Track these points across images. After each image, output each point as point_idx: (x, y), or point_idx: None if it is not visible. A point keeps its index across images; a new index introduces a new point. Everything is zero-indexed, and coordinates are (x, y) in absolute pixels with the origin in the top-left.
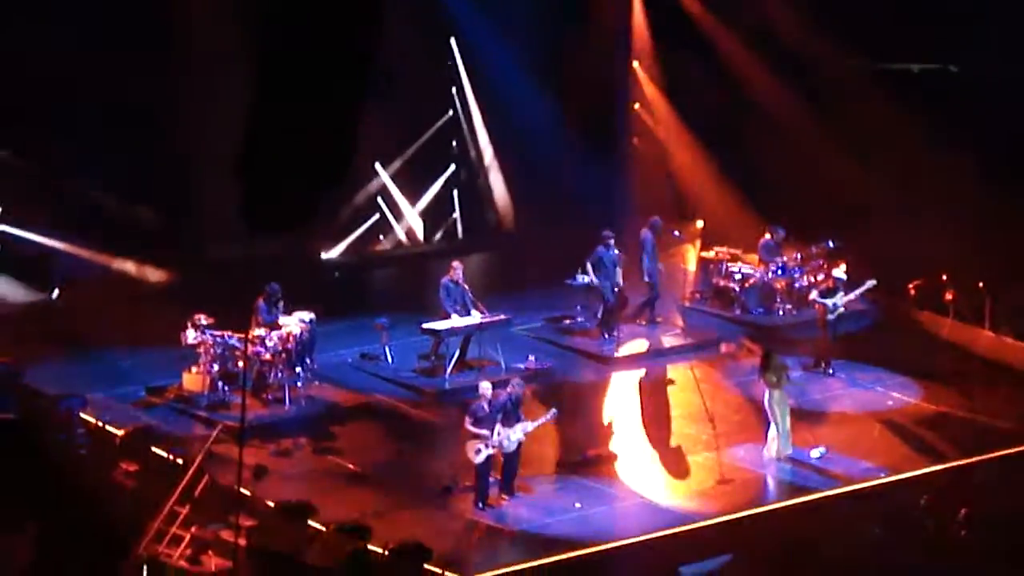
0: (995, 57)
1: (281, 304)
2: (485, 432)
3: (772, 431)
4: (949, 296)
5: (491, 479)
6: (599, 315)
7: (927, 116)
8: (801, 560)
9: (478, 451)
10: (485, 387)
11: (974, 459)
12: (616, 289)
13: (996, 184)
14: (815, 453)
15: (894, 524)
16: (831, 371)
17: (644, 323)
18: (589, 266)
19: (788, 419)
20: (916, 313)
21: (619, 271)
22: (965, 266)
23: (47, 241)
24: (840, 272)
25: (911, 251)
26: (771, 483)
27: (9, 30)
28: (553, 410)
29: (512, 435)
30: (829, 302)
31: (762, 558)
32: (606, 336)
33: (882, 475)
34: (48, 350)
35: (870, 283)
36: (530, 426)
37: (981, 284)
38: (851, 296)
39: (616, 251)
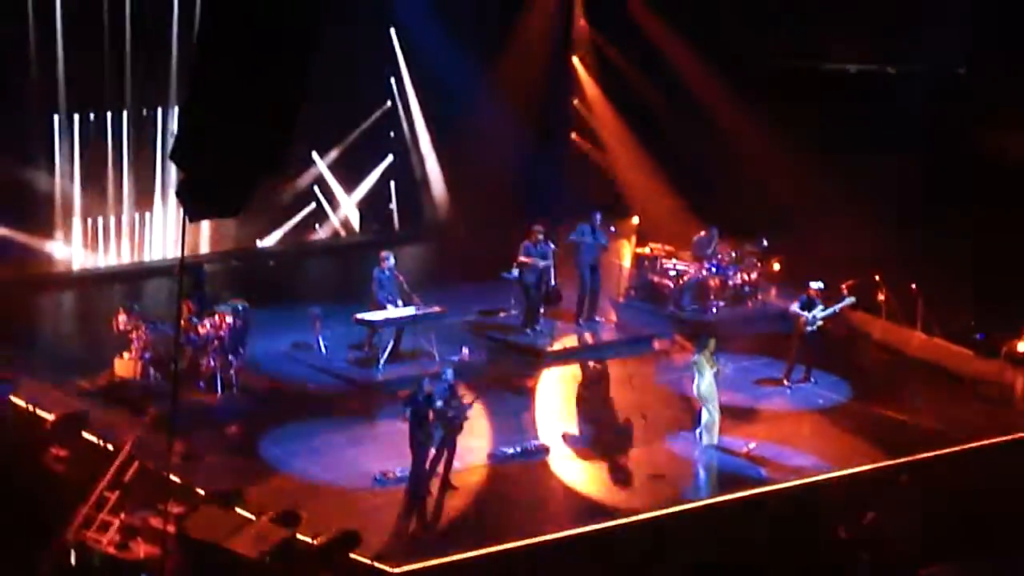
0: (931, 59)
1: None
2: (420, 423)
3: (704, 417)
4: (881, 296)
5: (426, 470)
6: (526, 309)
7: (863, 116)
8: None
9: (420, 443)
10: (424, 380)
11: (899, 460)
12: (548, 284)
13: (931, 185)
14: (744, 449)
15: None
16: (814, 380)
17: (583, 319)
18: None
19: (716, 410)
20: (849, 313)
21: (551, 265)
22: (898, 267)
23: None
24: (817, 284)
25: (844, 251)
26: (703, 477)
27: None
28: (474, 400)
29: (447, 427)
30: (809, 315)
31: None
32: (530, 331)
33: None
34: None
35: (849, 300)
36: (462, 417)
37: (913, 285)
38: (830, 311)
39: (550, 246)
